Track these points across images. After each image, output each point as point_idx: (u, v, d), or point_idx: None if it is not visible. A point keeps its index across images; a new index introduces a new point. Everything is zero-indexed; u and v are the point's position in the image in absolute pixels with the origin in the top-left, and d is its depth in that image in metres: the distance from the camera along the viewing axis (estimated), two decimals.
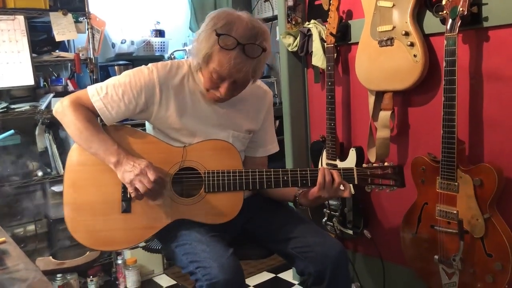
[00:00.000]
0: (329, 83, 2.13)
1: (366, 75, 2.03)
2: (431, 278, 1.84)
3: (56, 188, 2.63)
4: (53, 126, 2.61)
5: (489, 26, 1.70)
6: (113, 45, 3.06)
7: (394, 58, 1.88)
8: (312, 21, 2.30)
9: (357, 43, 2.08)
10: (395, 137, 2.09)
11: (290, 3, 2.43)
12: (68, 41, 2.90)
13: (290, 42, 2.43)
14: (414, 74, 1.84)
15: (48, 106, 2.56)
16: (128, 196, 1.45)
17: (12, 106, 2.51)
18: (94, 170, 1.47)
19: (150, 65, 1.52)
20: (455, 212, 1.69)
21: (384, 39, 1.90)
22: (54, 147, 2.60)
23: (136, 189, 1.39)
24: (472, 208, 1.65)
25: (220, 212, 1.48)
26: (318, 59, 2.25)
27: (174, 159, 1.48)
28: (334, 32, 2.11)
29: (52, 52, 2.71)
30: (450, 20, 1.62)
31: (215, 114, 1.56)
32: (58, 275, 2.50)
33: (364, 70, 2.04)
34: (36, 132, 2.62)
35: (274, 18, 3.05)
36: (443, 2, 1.65)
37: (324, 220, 2.28)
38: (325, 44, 2.16)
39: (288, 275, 2.73)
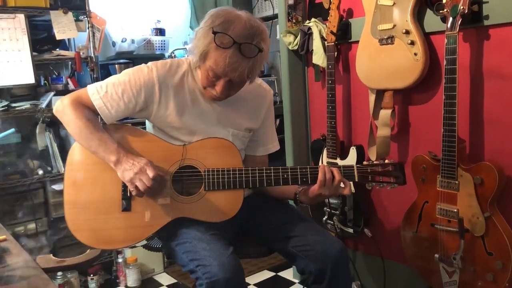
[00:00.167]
0: (330, 82, 2.13)
1: (367, 73, 2.03)
2: (431, 276, 1.83)
3: (56, 187, 2.63)
4: (54, 124, 2.61)
5: (489, 25, 1.69)
6: (114, 44, 3.06)
7: (394, 56, 1.88)
8: (313, 19, 2.30)
9: (357, 42, 2.08)
10: (395, 136, 2.09)
11: (291, 1, 2.43)
12: (69, 39, 2.90)
13: (290, 41, 2.42)
14: (415, 73, 1.84)
15: (49, 105, 2.56)
16: (128, 194, 1.45)
17: (13, 105, 2.51)
18: (94, 169, 1.48)
19: (149, 63, 1.52)
20: (455, 210, 1.69)
21: (385, 37, 1.90)
22: (55, 145, 2.60)
23: (136, 187, 1.39)
24: (473, 206, 1.65)
25: (220, 211, 1.48)
26: (319, 57, 2.25)
27: (174, 157, 1.48)
28: (334, 30, 2.11)
29: (53, 51, 2.71)
30: (450, 19, 1.61)
31: (214, 112, 1.56)
32: (59, 274, 2.51)
33: (365, 68, 2.03)
34: (37, 131, 2.62)
35: (275, 16, 3.04)
36: (444, 1, 1.65)
37: (324, 218, 2.28)
38: (326, 42, 2.16)
39: (288, 274, 2.73)
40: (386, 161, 1.52)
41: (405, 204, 1.92)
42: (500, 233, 1.61)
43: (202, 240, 1.42)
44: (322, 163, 2.28)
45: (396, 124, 2.08)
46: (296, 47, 2.41)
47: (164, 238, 1.59)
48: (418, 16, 1.85)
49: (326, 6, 2.23)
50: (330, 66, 2.12)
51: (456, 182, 1.68)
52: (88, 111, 1.46)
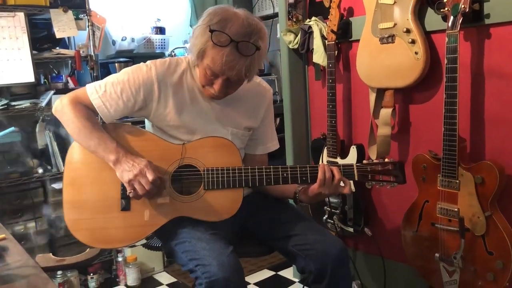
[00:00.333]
0: (330, 81, 2.12)
1: (367, 72, 2.03)
2: (432, 276, 1.83)
3: (56, 186, 2.63)
4: (54, 123, 2.61)
5: (490, 23, 1.69)
6: (114, 42, 3.05)
7: (395, 55, 1.88)
8: (313, 18, 2.30)
9: (358, 41, 2.07)
10: (396, 135, 2.09)
11: (291, 0, 2.42)
12: (69, 38, 2.90)
13: (291, 40, 2.42)
14: (415, 72, 1.83)
15: (49, 103, 2.56)
16: (127, 194, 1.45)
17: (13, 103, 2.51)
18: (93, 168, 1.47)
19: (148, 62, 1.51)
20: (456, 210, 1.69)
21: (385, 36, 1.89)
22: (55, 144, 2.60)
23: (134, 190, 1.39)
24: (473, 206, 1.64)
25: (220, 210, 1.47)
26: (319, 56, 2.24)
27: (173, 156, 1.47)
28: (335, 29, 2.10)
29: (53, 49, 2.70)
30: (451, 17, 1.61)
31: (213, 111, 1.56)
32: (59, 273, 2.50)
33: (365, 67, 2.03)
34: (37, 129, 2.62)
35: (275, 15, 3.04)
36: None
37: (324, 218, 2.28)
38: (326, 41, 2.15)
39: (288, 273, 2.73)
40: (386, 160, 1.51)
41: (405, 203, 1.91)
42: (500, 232, 1.61)
43: (201, 240, 1.42)
44: (322, 162, 2.27)
45: (397, 123, 2.08)
46: (296, 46, 2.40)
47: (163, 238, 1.59)
48: (419, 14, 1.85)
49: (326, 4, 2.23)
50: (330, 65, 2.12)
51: (457, 181, 1.67)
52: (87, 110, 1.46)
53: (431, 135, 1.95)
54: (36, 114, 2.60)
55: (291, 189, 1.61)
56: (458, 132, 1.64)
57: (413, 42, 1.82)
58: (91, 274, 2.67)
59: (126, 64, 2.99)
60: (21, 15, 2.47)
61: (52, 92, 2.61)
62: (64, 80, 2.78)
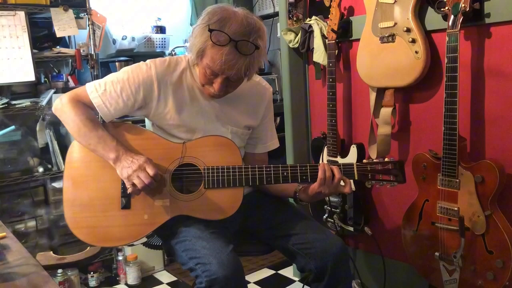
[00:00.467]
0: (330, 80, 2.12)
1: (367, 71, 2.03)
2: (432, 275, 1.83)
3: (56, 184, 2.64)
4: (54, 122, 2.61)
5: (491, 23, 1.69)
6: (114, 41, 3.05)
7: (395, 54, 1.88)
8: (314, 17, 2.30)
9: (358, 40, 2.07)
10: (396, 134, 2.09)
11: None
12: (69, 37, 2.90)
13: (291, 39, 2.42)
14: (416, 71, 1.83)
15: (49, 102, 2.56)
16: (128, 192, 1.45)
17: (13, 102, 2.51)
18: (93, 167, 1.47)
19: (148, 61, 1.51)
20: (456, 209, 1.69)
21: (386, 35, 1.89)
22: (55, 143, 2.61)
23: (133, 184, 1.39)
24: (473, 205, 1.65)
25: (220, 208, 1.47)
26: (319, 55, 2.24)
27: (173, 155, 1.48)
28: (335, 28, 2.10)
29: (53, 48, 2.71)
30: (452, 17, 1.61)
31: (213, 109, 1.56)
32: (59, 271, 2.51)
33: (366, 66, 2.03)
34: (37, 128, 2.62)
35: (275, 14, 3.04)
36: None
37: (325, 216, 2.28)
38: (327, 40, 2.15)
39: (288, 272, 2.73)
40: (386, 159, 1.52)
41: (405, 202, 1.91)
42: (500, 231, 1.61)
43: (201, 238, 1.42)
44: (322, 161, 2.28)
45: (397, 122, 2.08)
46: (296, 45, 2.40)
47: (163, 236, 1.59)
48: (419, 14, 1.85)
49: (327, 4, 2.22)
50: (330, 64, 2.12)
51: (457, 180, 1.67)
52: (87, 109, 1.46)
53: (431, 134, 1.95)
54: (37, 113, 2.60)
55: (291, 188, 1.61)
56: (458, 131, 1.64)
57: (413, 41, 1.82)
58: (92, 272, 2.67)
59: (127, 63, 2.99)
60: (21, 14, 2.47)
61: (53, 91, 2.62)
62: (64, 79, 2.78)
